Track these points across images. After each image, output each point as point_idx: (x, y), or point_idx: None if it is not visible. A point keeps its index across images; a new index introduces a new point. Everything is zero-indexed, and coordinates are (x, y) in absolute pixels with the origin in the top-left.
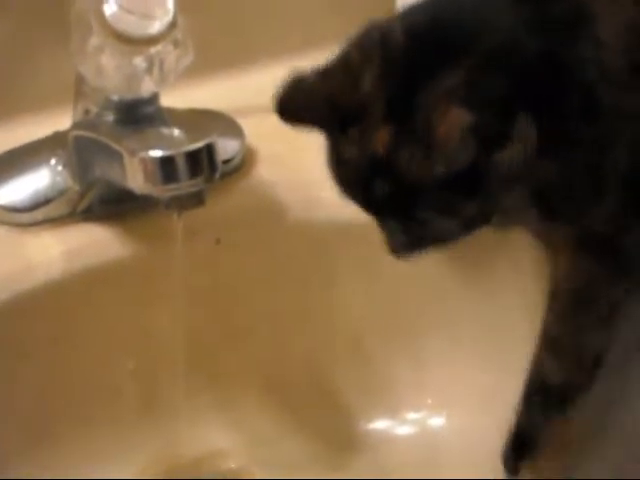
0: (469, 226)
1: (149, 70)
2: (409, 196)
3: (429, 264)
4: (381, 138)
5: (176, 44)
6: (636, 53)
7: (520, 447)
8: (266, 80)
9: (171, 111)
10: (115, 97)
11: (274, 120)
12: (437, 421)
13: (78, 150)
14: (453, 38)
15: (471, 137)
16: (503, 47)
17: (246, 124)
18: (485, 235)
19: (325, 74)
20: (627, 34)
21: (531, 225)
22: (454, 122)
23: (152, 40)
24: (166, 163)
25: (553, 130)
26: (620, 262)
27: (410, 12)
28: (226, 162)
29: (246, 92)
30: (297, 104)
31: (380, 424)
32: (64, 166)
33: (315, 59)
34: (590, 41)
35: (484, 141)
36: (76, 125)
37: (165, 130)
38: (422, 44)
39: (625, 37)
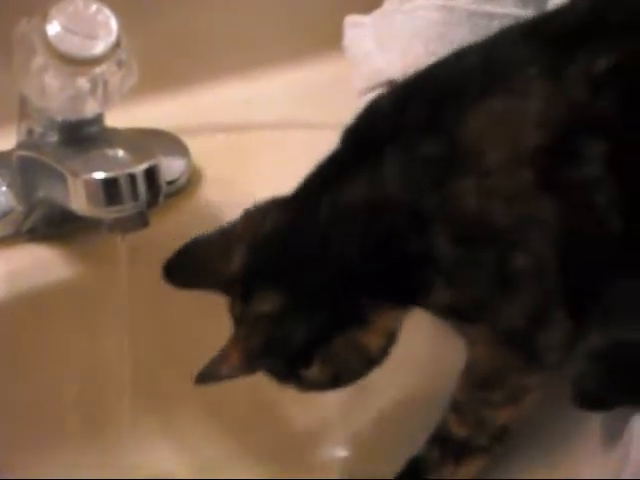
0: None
1: (93, 91)
2: None
3: None
4: (235, 313)
5: (120, 64)
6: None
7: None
8: (212, 99)
9: (115, 131)
10: (59, 117)
11: (220, 140)
12: None
13: (22, 170)
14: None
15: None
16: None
17: (192, 144)
18: None
19: (208, 244)
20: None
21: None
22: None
23: (96, 61)
24: (109, 185)
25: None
26: (533, 356)
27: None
28: (171, 182)
29: (192, 111)
30: (183, 270)
31: (327, 446)
32: (8, 186)
33: (262, 78)
34: (473, 173)
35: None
36: (20, 145)
37: (109, 151)
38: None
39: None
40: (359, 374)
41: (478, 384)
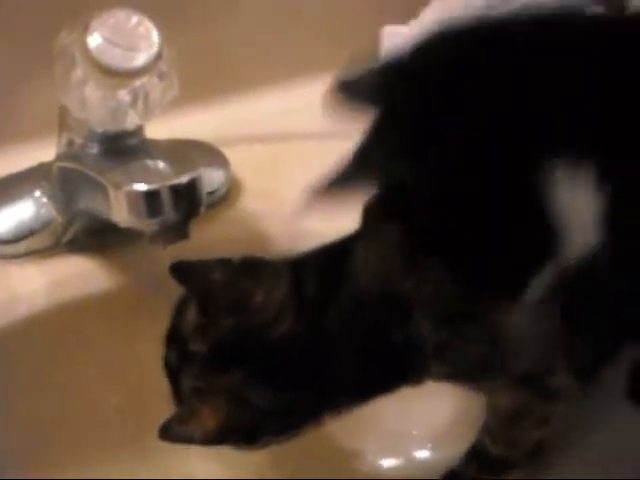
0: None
1: (134, 103)
2: None
3: None
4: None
5: (161, 76)
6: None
7: None
8: (250, 110)
9: (156, 142)
10: (99, 129)
11: (259, 150)
12: (422, 453)
13: (62, 182)
14: None
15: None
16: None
17: (230, 154)
18: None
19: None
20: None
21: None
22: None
23: (137, 73)
24: (151, 197)
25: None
26: (549, 394)
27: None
28: (211, 193)
29: (231, 122)
30: (190, 275)
31: (365, 455)
32: (48, 198)
33: (299, 89)
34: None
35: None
36: (60, 157)
37: (150, 163)
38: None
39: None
40: None
41: (506, 417)
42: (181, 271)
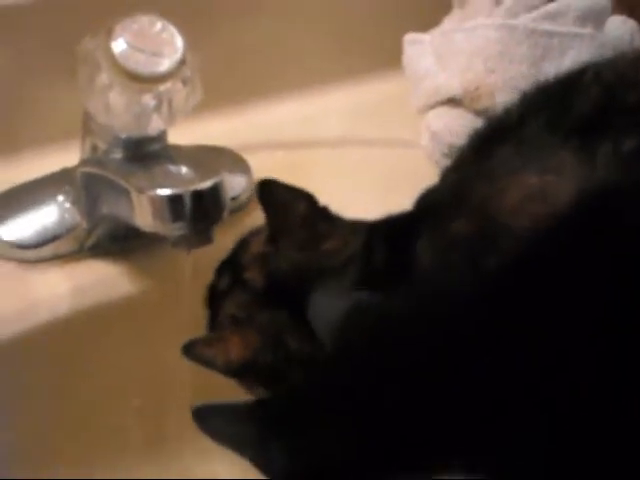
0: None
1: (158, 108)
2: None
3: None
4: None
5: (185, 82)
6: None
7: None
8: (272, 117)
9: (178, 148)
10: (123, 135)
11: (280, 157)
12: None
13: (86, 187)
14: None
15: None
16: None
17: (252, 160)
18: None
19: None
20: None
21: None
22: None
23: (161, 78)
24: (174, 202)
25: None
26: None
27: None
28: (233, 199)
29: (252, 128)
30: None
31: None
32: (72, 203)
33: (321, 96)
34: None
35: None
36: (84, 162)
37: (173, 168)
38: None
39: None
40: None
41: None
42: (267, 190)
